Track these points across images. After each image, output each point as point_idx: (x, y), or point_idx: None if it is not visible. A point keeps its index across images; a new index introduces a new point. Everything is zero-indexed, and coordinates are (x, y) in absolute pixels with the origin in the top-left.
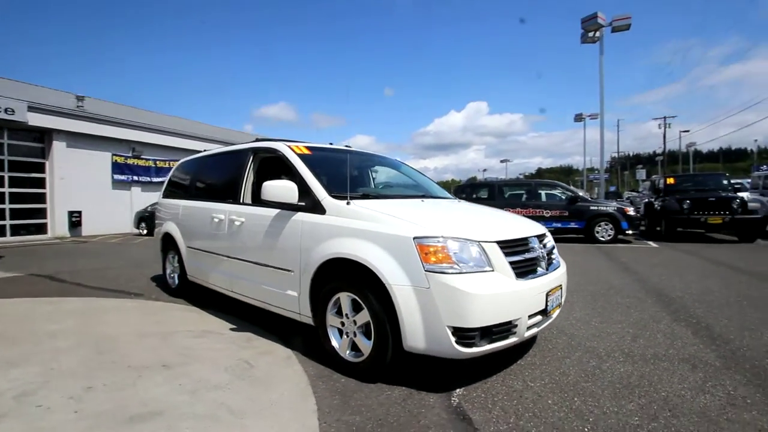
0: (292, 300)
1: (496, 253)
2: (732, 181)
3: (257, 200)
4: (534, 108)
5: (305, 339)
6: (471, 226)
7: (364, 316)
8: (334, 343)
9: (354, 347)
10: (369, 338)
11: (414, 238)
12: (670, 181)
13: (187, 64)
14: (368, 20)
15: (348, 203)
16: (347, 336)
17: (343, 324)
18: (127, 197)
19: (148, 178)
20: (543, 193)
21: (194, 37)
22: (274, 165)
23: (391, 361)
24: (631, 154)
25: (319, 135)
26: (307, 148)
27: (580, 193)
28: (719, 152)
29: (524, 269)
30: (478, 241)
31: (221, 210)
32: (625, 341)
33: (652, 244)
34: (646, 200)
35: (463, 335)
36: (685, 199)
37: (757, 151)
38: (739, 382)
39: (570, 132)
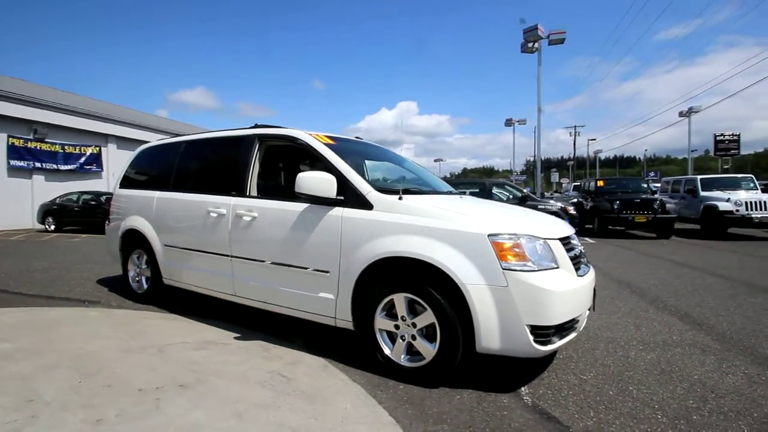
0: (326, 303)
1: (560, 250)
2: (651, 185)
3: (265, 193)
4: (460, 111)
5: (334, 344)
6: (534, 224)
7: (427, 318)
8: (386, 348)
9: (410, 351)
10: (430, 341)
11: (488, 236)
12: (600, 183)
13: (87, 38)
14: (298, 13)
15: (400, 198)
16: (402, 340)
17: (397, 327)
18: (28, 187)
19: (55, 166)
20: (496, 192)
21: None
22: (286, 154)
23: (458, 364)
24: (543, 158)
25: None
26: (329, 137)
27: (527, 193)
28: (615, 159)
29: (576, 266)
30: (545, 239)
31: (221, 203)
32: (632, 330)
33: (589, 240)
34: (575, 200)
35: (541, 333)
36: (615, 200)
37: (644, 159)
38: (746, 362)
39: (492, 135)
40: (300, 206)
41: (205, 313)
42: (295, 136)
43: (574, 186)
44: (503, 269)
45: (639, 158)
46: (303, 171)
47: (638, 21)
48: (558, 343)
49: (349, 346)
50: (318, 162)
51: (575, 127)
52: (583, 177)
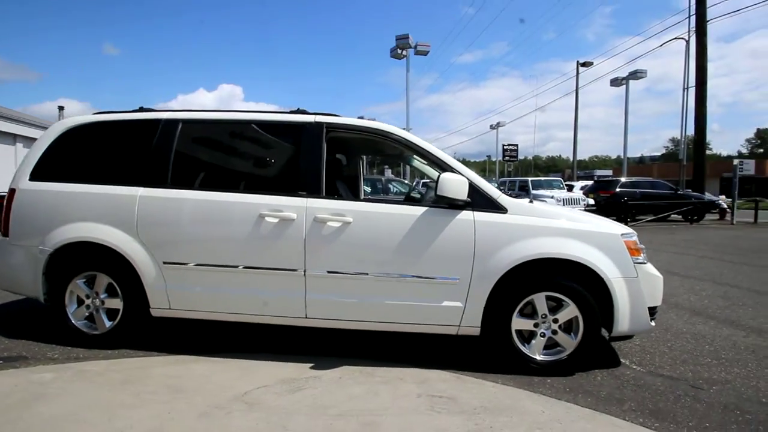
0: (451, 312)
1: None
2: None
3: (333, 193)
4: (293, 103)
5: (429, 353)
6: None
7: (570, 313)
8: (522, 347)
9: (548, 346)
10: (569, 333)
11: (621, 235)
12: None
13: None
14: None
15: (531, 201)
16: (542, 337)
17: (536, 325)
18: None
19: None
20: (393, 186)
21: None
22: (346, 148)
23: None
24: None
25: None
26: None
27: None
28: None
29: None
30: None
31: (285, 205)
32: (708, 305)
33: None
34: None
35: (653, 312)
36: None
37: None
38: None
39: None
40: (417, 209)
41: (205, 347)
42: (389, 130)
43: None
44: (634, 263)
45: None
46: (454, 173)
47: (446, 44)
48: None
49: (450, 353)
50: (393, 159)
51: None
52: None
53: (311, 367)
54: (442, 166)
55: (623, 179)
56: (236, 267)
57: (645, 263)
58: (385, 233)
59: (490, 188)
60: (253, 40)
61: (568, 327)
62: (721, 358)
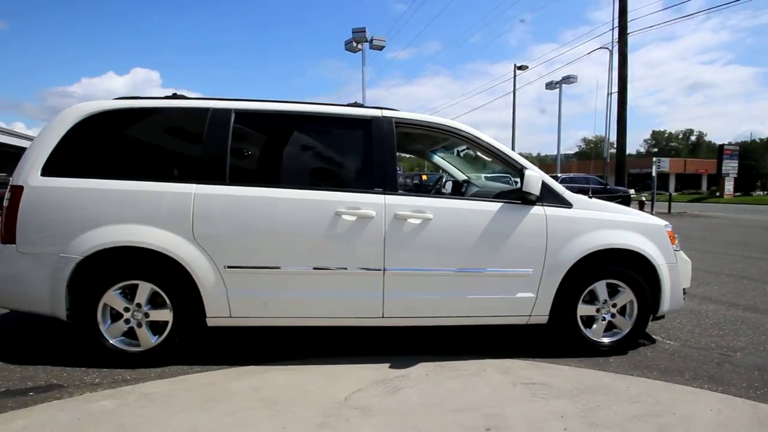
0: (524, 303)
1: None
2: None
3: (397, 188)
4: (218, 91)
5: (484, 344)
6: None
7: (626, 297)
8: (587, 331)
9: (606, 329)
10: (624, 316)
11: (664, 226)
12: (424, 177)
13: None
14: None
15: (590, 197)
16: (603, 321)
17: (598, 311)
18: None
19: None
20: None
21: None
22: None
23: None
24: None
25: None
26: None
27: None
28: None
29: None
30: None
31: (363, 202)
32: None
33: None
34: None
35: (685, 292)
36: None
37: None
38: None
39: None
40: (492, 205)
41: (258, 355)
42: (460, 127)
43: None
44: (675, 250)
45: None
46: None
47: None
48: None
49: (502, 342)
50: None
51: None
52: None
53: (390, 367)
54: (513, 164)
55: (561, 175)
56: (308, 269)
57: (679, 250)
58: (464, 229)
59: (557, 185)
60: (172, 23)
61: (623, 310)
62: (723, 329)
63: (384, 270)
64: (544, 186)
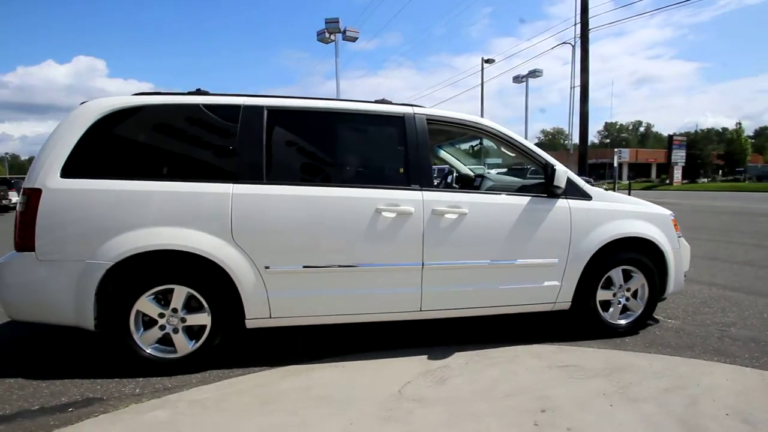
0: (550, 291)
1: None
2: None
3: (432, 184)
4: (171, 82)
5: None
6: None
7: (638, 282)
8: (605, 315)
9: (622, 311)
10: (635, 299)
11: (669, 215)
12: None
13: None
14: None
15: (606, 189)
16: (619, 304)
17: (614, 295)
18: None
19: None
20: None
21: None
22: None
23: None
24: None
25: None
26: None
27: None
28: None
29: None
30: None
31: (402, 199)
32: None
33: None
34: None
35: (685, 275)
36: None
37: None
38: None
39: None
40: (522, 199)
41: (292, 354)
42: (489, 124)
43: None
44: (677, 237)
45: None
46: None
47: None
48: None
49: (529, 328)
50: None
51: None
52: None
53: (429, 358)
54: (537, 159)
55: (530, 166)
56: (349, 266)
57: (681, 236)
58: (497, 222)
59: (578, 178)
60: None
61: (635, 294)
62: (712, 307)
63: (423, 265)
64: (568, 180)
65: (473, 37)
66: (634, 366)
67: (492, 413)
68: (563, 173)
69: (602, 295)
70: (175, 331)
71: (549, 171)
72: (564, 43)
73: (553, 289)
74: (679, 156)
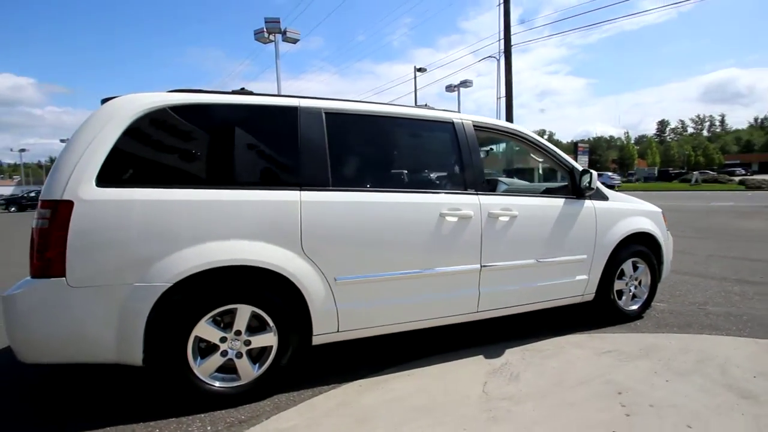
0: (581, 284)
1: None
2: None
3: (486, 189)
4: (56, 76)
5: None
6: None
7: (643, 271)
8: (619, 302)
9: (633, 298)
10: (641, 287)
11: (661, 211)
12: None
13: None
14: None
15: (615, 189)
16: (629, 293)
17: (626, 284)
18: None
19: None
20: None
21: None
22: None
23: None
24: None
25: None
26: None
27: None
28: None
29: None
30: None
31: (463, 203)
32: None
33: None
34: None
35: (669, 260)
36: None
37: None
38: None
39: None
40: (557, 200)
41: (339, 368)
42: (525, 132)
43: None
44: (667, 231)
45: None
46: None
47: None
48: None
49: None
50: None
51: None
52: None
53: (485, 358)
54: (565, 164)
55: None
56: (416, 272)
57: (668, 230)
58: (540, 223)
59: (597, 181)
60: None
61: (640, 282)
62: (681, 290)
63: (481, 267)
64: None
65: (394, 47)
66: (660, 346)
67: (580, 401)
68: (594, 177)
69: (618, 285)
70: (239, 355)
71: (579, 175)
72: (490, 56)
73: (583, 283)
74: (583, 161)
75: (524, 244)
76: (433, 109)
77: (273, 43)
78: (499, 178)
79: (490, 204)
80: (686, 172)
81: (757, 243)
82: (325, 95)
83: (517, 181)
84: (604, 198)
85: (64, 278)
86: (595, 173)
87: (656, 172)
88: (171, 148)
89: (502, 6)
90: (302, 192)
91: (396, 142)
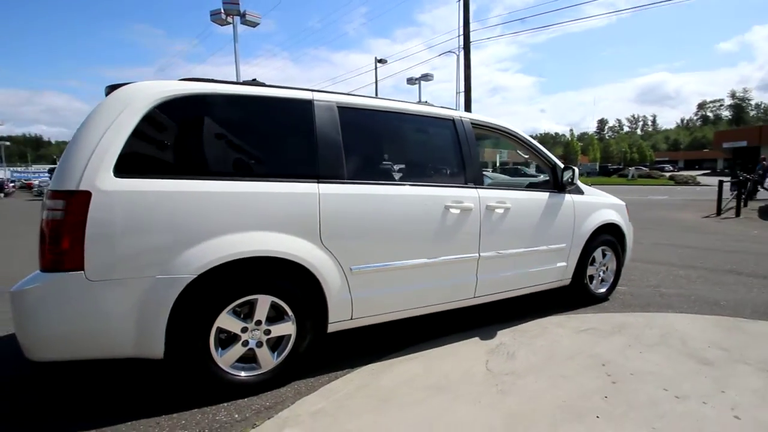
0: (561, 270)
1: None
2: None
3: (483, 182)
4: None
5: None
6: None
7: (610, 258)
8: (591, 286)
9: (601, 282)
10: (608, 271)
11: (624, 204)
12: None
13: None
14: None
15: (591, 185)
16: (599, 277)
17: (597, 270)
18: None
19: None
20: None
21: None
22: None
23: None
24: None
25: None
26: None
27: None
28: None
29: None
30: None
31: (464, 196)
32: None
33: None
34: None
35: (630, 248)
36: None
37: None
38: None
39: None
40: (543, 194)
41: (344, 354)
42: (513, 129)
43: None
44: (629, 220)
45: None
46: None
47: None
48: None
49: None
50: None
51: None
52: None
53: (481, 339)
54: (548, 160)
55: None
56: (424, 261)
57: (629, 220)
58: (529, 214)
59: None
60: None
61: (607, 267)
62: (635, 275)
63: (479, 255)
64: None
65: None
66: (628, 323)
67: (572, 373)
68: (576, 173)
69: (591, 270)
70: (259, 344)
71: (560, 171)
72: (449, 51)
73: (562, 269)
74: None
75: (516, 234)
76: (433, 106)
77: (225, 25)
78: (484, 173)
79: (488, 197)
80: (623, 168)
81: (692, 233)
82: (279, 82)
83: (498, 176)
84: (581, 192)
85: (82, 272)
86: (576, 170)
87: (597, 167)
88: (189, 137)
89: (461, 1)
90: (320, 184)
91: (403, 136)
